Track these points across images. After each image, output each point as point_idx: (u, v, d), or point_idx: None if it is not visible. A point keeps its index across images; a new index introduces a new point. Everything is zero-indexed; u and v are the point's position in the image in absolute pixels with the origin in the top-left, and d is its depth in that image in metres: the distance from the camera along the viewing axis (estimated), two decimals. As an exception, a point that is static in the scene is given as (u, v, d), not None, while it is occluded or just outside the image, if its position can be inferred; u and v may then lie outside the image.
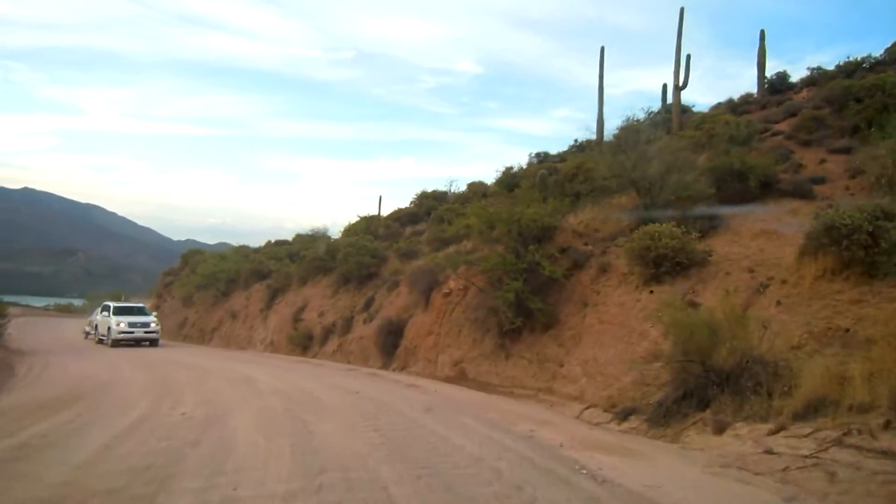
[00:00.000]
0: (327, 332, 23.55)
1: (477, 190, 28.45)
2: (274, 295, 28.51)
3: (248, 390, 13.22)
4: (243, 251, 36.68)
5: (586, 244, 15.76)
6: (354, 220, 30.35)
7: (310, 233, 32.57)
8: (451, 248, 19.54)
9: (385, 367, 19.21)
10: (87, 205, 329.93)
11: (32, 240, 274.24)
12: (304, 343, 24.31)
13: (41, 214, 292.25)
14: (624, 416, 9.99)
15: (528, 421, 9.85)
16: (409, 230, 28.19)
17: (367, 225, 29.73)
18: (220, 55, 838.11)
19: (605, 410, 10.65)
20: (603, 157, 17.48)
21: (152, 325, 25.82)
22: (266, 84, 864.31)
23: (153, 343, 25.60)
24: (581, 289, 14.32)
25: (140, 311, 27.20)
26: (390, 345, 19.33)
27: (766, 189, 14.84)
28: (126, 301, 32.13)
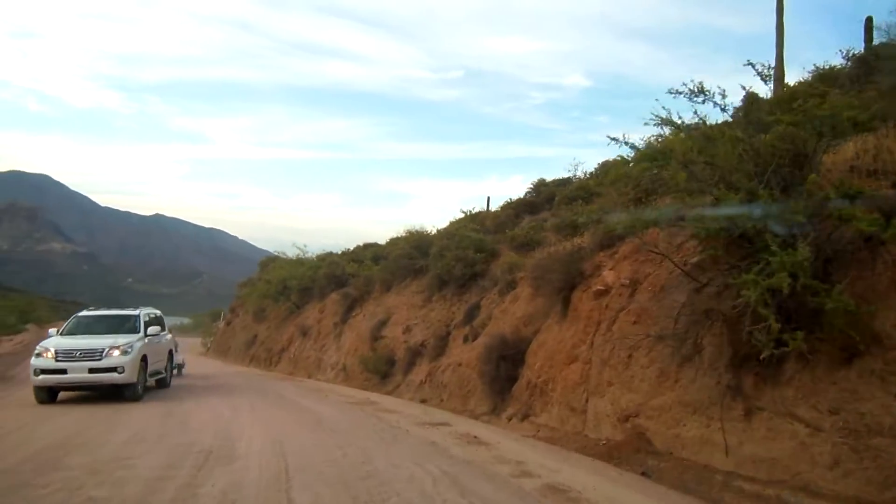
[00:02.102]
0: (413, 355, 16.61)
1: (613, 166, 20.99)
2: (351, 306, 22.01)
3: None
4: (328, 258, 30.65)
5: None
6: (457, 217, 23.52)
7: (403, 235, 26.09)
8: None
9: (495, 412, 12.01)
10: (212, 229, 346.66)
11: (162, 263, 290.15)
12: (382, 369, 17.48)
13: (170, 239, 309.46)
14: None
15: None
16: (525, 220, 20.90)
17: (472, 221, 22.78)
18: (333, 81, 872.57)
19: None
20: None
21: (116, 355, 12.89)
22: (376, 107, 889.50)
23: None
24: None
25: (118, 325, 14.42)
26: (504, 377, 12.08)
27: None
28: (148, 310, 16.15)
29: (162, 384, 15.61)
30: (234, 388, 16.37)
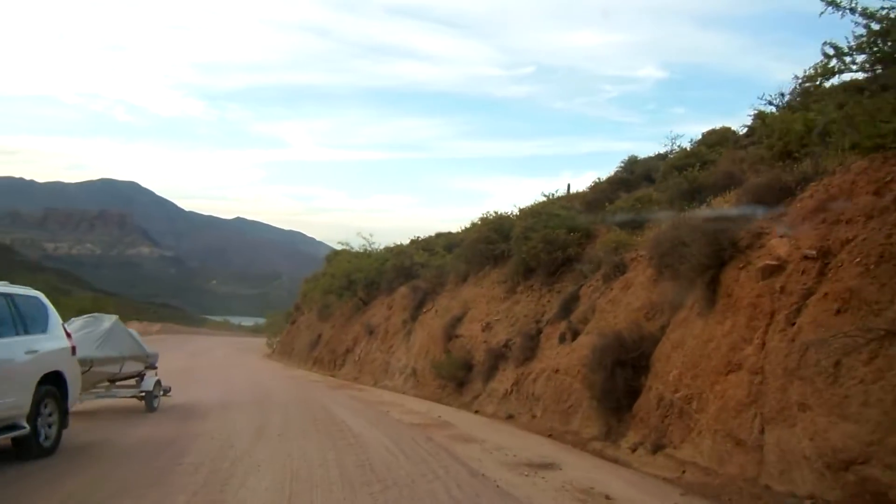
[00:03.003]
0: (496, 358, 13.60)
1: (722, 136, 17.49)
2: (422, 300, 19.19)
3: None
4: (396, 248, 27.95)
5: None
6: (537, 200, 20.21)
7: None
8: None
9: (610, 436, 8.89)
10: (290, 231, 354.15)
11: (243, 265, 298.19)
12: (458, 375, 14.56)
13: (251, 242, 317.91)
14: None
15: None
16: (622, 198, 17.52)
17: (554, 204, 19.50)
18: (406, 81, 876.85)
19: None
20: None
21: None
22: (449, 106, 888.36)
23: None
24: None
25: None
26: (621, 389, 8.90)
27: None
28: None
29: (24, 447, 7.18)
30: (274, 401, 13.66)
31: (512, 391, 12.37)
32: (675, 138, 19.25)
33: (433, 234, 27.11)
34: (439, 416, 11.74)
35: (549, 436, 9.84)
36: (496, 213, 18.32)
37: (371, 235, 26.59)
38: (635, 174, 19.74)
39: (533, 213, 16.20)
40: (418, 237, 24.03)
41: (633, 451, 8.25)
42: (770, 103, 14.11)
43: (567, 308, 12.28)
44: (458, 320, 16.17)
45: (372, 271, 24.20)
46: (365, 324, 22.24)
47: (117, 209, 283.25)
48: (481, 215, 18.99)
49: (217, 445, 8.22)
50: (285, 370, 24.13)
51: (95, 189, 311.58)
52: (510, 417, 11.79)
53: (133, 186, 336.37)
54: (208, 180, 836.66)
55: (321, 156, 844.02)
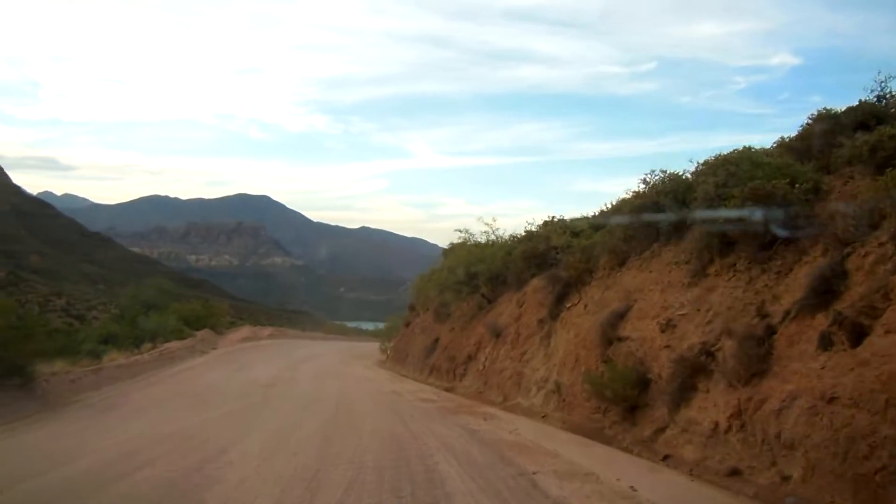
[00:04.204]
0: (690, 372, 8.85)
1: None
2: (563, 293, 14.62)
3: None
4: (526, 235, 23.33)
5: None
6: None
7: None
8: None
9: None
10: (413, 238, 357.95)
11: (369, 272, 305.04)
12: (626, 396, 9.93)
13: (375, 249, 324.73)
14: None
15: None
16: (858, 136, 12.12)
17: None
18: (525, 85, 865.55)
19: None
20: None
21: None
22: (568, 107, 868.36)
23: None
24: None
25: None
26: None
27: None
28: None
29: None
30: (348, 451, 9.03)
31: (730, 427, 7.62)
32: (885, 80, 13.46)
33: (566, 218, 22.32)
34: (617, 478, 7.18)
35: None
36: (664, 172, 13.45)
37: (494, 220, 22.21)
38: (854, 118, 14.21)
39: (726, 163, 11.29)
40: (552, 217, 19.30)
41: None
42: None
43: (824, 290, 7.38)
44: (620, 317, 11.51)
45: (497, 262, 19.93)
46: (490, 325, 17.99)
47: (252, 222, 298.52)
48: (643, 176, 14.15)
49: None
50: (393, 382, 20.28)
51: (232, 203, 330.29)
52: (735, 473, 7.09)
53: (265, 200, 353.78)
54: (334, 191, 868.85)
55: (441, 163, 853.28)
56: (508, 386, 14.72)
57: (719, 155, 12.74)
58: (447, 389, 17.76)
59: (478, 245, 22.34)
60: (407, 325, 28.82)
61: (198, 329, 31.38)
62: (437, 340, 22.10)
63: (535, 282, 16.91)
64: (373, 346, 38.35)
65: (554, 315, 14.38)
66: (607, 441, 9.67)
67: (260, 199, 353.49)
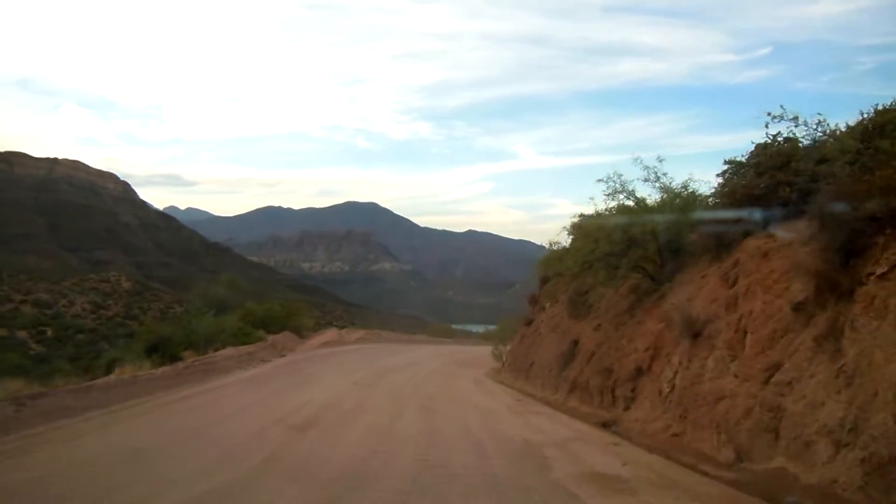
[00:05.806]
0: None
1: None
2: (852, 250, 7.56)
3: None
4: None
5: None
6: None
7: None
8: None
9: None
10: (519, 240, 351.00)
11: (477, 275, 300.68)
12: None
13: (483, 252, 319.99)
14: None
15: None
16: None
17: None
18: (628, 80, 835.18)
19: None
20: None
21: None
22: (674, 100, 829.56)
23: None
24: None
25: None
26: None
27: None
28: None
29: None
30: None
31: None
32: None
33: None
34: None
35: None
36: None
37: (662, 161, 14.56)
38: None
39: None
40: (777, 136, 11.75)
41: None
42: None
43: None
44: None
45: (670, 226, 12.99)
46: (669, 318, 11.14)
47: (361, 229, 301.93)
48: None
49: None
50: (519, 414, 13.17)
51: (341, 212, 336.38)
52: None
53: (373, 207, 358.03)
54: (440, 196, 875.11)
55: (545, 163, 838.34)
56: (746, 431, 7.72)
57: None
58: (605, 425, 10.96)
59: (631, 210, 14.74)
60: (528, 323, 22.06)
61: (277, 332, 26.51)
62: (575, 343, 15.26)
63: (753, 241, 9.89)
64: (481, 351, 32.04)
65: (839, 292, 7.30)
66: None
67: (368, 207, 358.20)
